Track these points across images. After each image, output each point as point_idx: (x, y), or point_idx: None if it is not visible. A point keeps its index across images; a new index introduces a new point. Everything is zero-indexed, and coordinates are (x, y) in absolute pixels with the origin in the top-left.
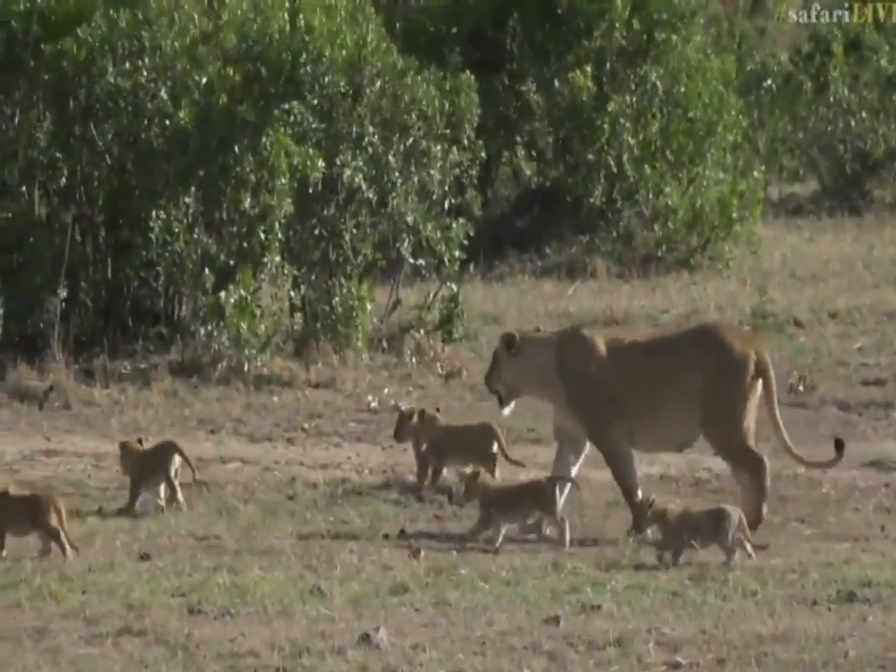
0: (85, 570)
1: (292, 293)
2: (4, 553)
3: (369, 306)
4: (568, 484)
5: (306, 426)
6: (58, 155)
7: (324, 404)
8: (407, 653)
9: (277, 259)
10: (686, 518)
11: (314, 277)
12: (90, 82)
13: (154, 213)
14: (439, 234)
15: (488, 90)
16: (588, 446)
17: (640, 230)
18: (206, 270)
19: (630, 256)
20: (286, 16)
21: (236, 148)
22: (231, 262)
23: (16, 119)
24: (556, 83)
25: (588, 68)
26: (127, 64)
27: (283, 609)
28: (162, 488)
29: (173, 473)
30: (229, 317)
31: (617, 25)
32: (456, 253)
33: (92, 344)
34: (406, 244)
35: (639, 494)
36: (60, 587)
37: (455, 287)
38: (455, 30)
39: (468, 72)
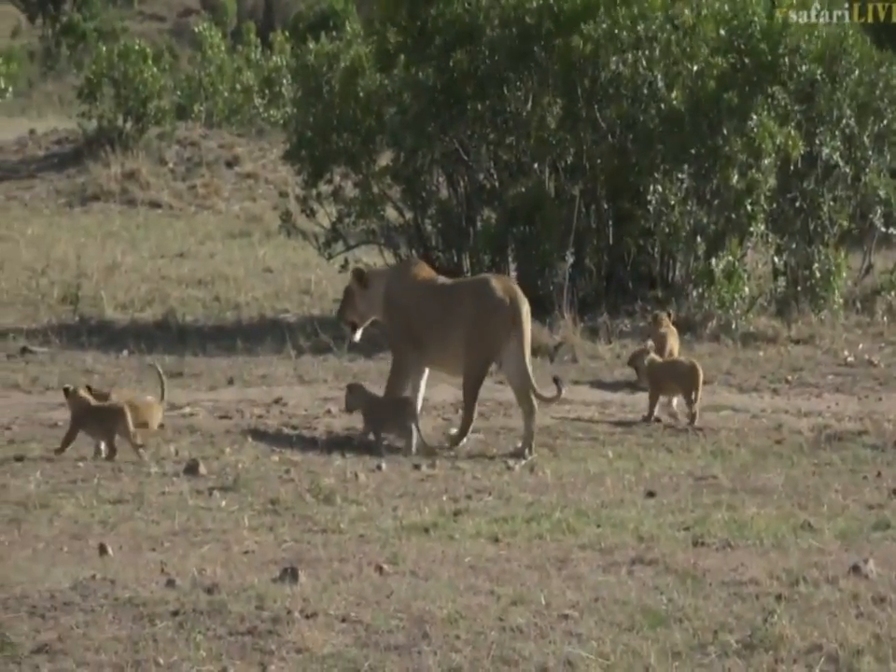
0: (598, 506)
1: (775, 259)
2: None
3: (844, 271)
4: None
5: (789, 378)
6: (566, 136)
7: (804, 358)
8: (895, 583)
9: (762, 228)
10: None
11: (794, 245)
12: (594, 71)
13: (651, 187)
14: None
15: None
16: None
17: None
18: (698, 238)
19: None
20: (762, 11)
21: (725, 130)
22: (720, 231)
23: (528, 104)
24: None
25: None
26: (627, 55)
27: (777, 542)
28: None
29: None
30: (718, 281)
31: None
32: None
33: (596, 305)
34: (878, 214)
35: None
36: (577, 521)
37: None
38: None
39: None
